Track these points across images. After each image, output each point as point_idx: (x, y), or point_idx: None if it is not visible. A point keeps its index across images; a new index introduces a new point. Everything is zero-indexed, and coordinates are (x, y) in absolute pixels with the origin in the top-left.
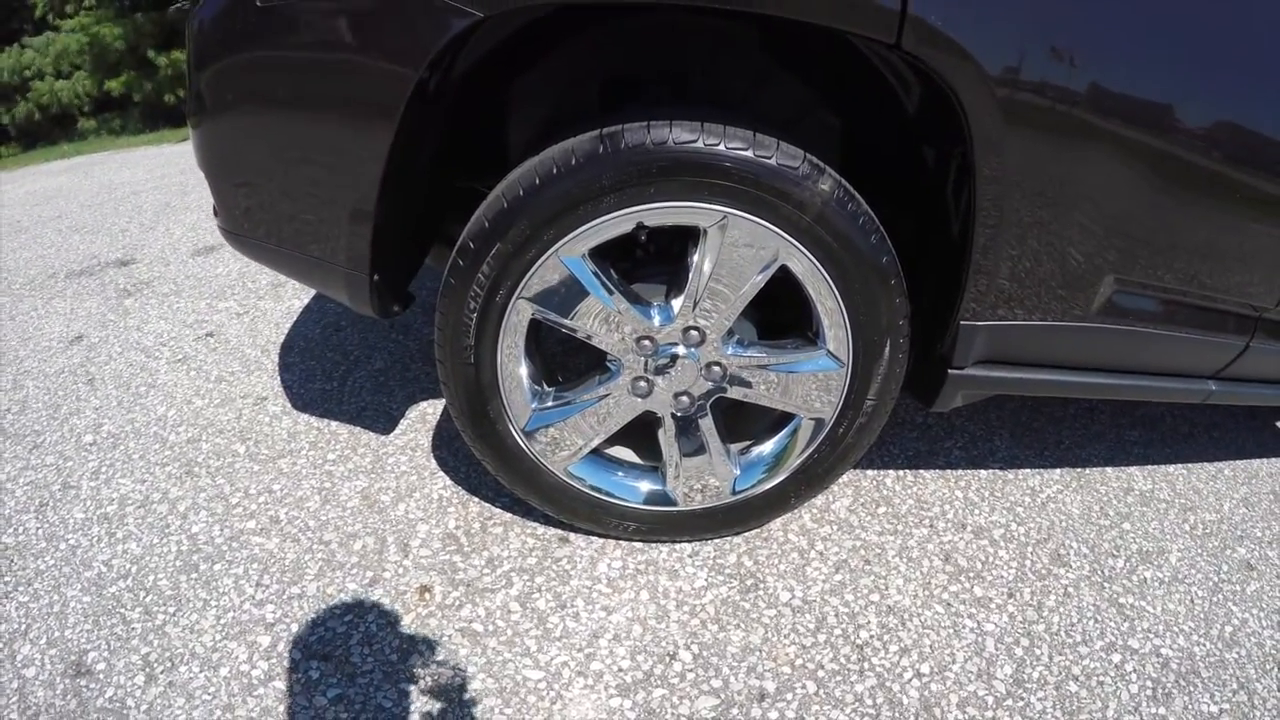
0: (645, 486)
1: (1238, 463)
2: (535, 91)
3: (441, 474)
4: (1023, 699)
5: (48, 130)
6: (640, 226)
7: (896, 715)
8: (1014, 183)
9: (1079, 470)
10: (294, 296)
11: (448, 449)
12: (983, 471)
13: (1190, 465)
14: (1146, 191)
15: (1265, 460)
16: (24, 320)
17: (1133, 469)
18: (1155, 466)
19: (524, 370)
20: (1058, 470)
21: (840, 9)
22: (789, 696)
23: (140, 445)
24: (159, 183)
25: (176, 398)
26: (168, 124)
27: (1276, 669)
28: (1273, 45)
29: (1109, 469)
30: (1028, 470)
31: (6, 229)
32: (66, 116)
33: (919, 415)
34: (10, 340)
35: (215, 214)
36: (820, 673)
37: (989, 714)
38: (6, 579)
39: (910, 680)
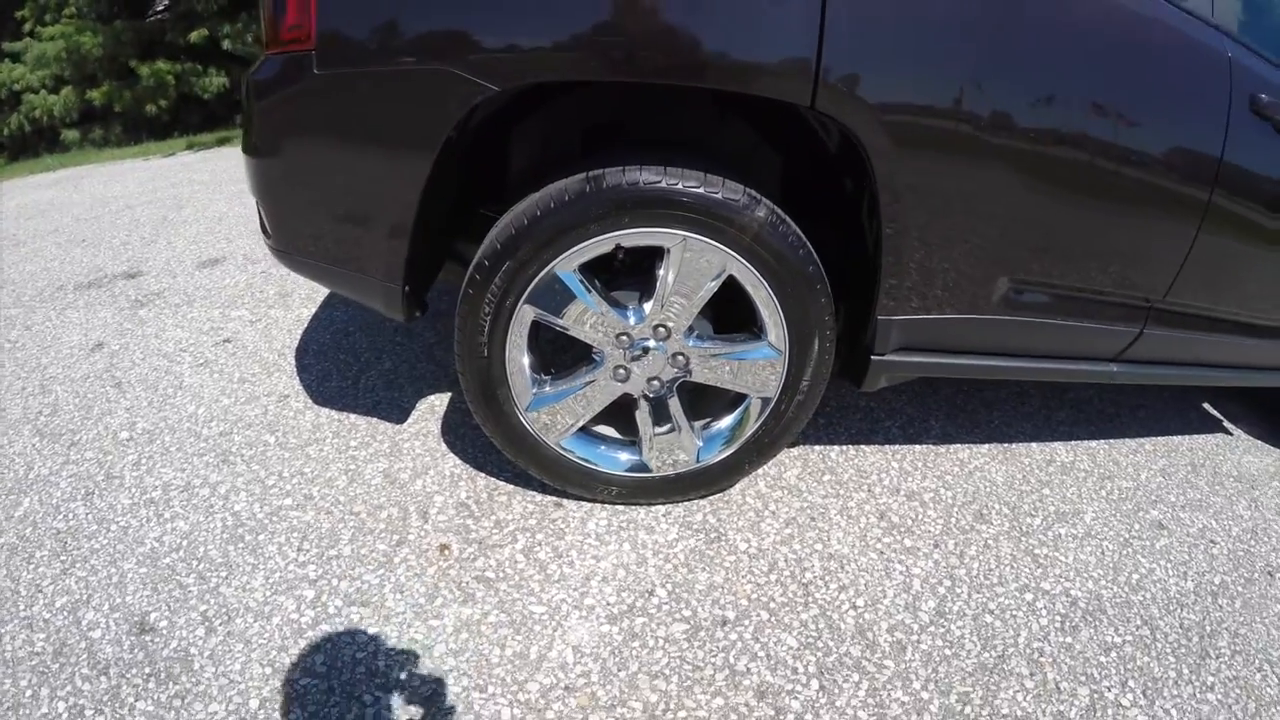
0: (625, 457)
1: (1160, 438)
2: (531, 135)
3: (451, 455)
4: (944, 627)
5: (32, 143)
6: (618, 247)
7: (835, 637)
8: (909, 206)
9: (1006, 445)
10: (302, 305)
11: (454, 434)
12: (918, 446)
13: (1113, 441)
14: (1024, 207)
15: (1187, 436)
16: (40, 330)
17: (1057, 444)
18: (1079, 442)
19: (526, 361)
20: (986, 445)
21: (770, 83)
22: (746, 623)
23: (176, 439)
24: (151, 196)
25: (204, 397)
26: (150, 135)
27: (1179, 609)
28: (1127, 68)
29: (1034, 444)
30: (958, 445)
31: (4, 243)
32: (49, 128)
33: (862, 400)
34: (30, 349)
35: (265, 234)
36: (772, 604)
37: (913, 638)
38: (63, 558)
39: (847, 610)
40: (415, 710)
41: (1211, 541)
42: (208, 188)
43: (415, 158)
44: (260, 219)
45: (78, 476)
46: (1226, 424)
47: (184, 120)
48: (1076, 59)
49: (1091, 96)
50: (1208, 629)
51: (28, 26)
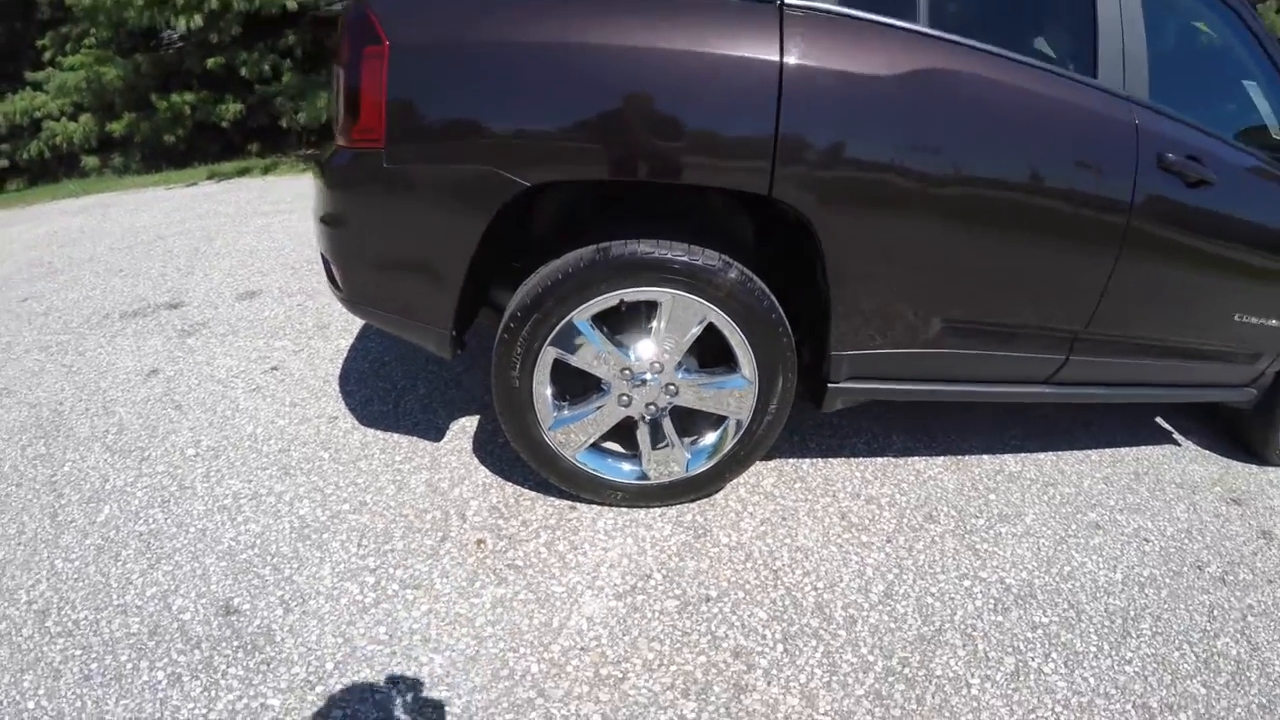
0: (628, 468)
1: (1107, 450)
2: (551, 206)
3: (483, 467)
4: (890, 605)
5: (51, 168)
6: (622, 301)
7: (798, 611)
8: (849, 265)
9: (959, 457)
10: (339, 336)
11: (484, 450)
12: (879, 459)
13: (1061, 453)
14: (951, 261)
15: (1134, 448)
16: (94, 356)
17: (1007, 456)
18: (1028, 454)
19: (548, 391)
20: (941, 457)
21: (740, 179)
22: (725, 600)
23: (239, 455)
24: (180, 227)
25: (260, 418)
26: (169, 163)
27: (1106, 596)
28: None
29: (986, 456)
30: (916, 458)
31: (42, 270)
32: (69, 154)
33: (834, 419)
34: (88, 373)
35: (335, 287)
36: (747, 585)
37: (864, 613)
38: (148, 556)
39: (809, 591)
40: (463, 666)
41: (1145, 540)
42: (234, 220)
43: (466, 234)
44: (329, 274)
45: (152, 487)
46: (1176, 436)
47: (202, 148)
48: (995, 135)
49: (1008, 165)
50: (1132, 613)
51: (48, 55)
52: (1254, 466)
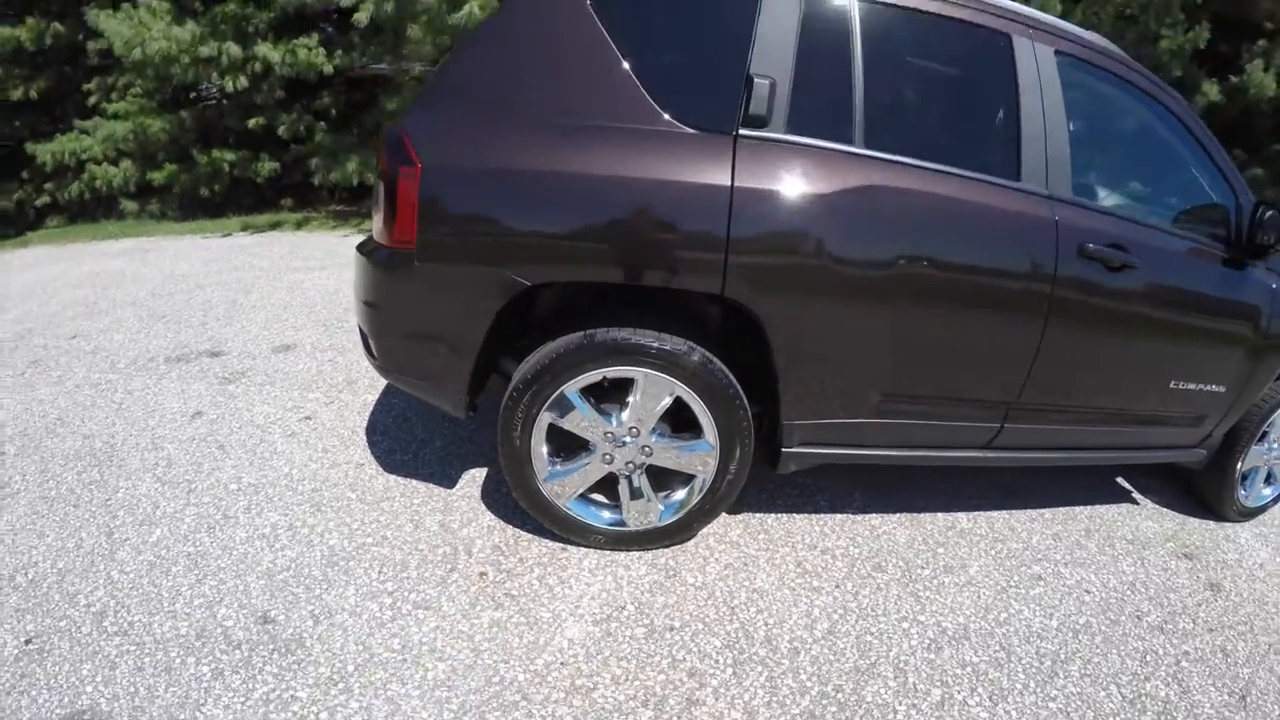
0: (609, 516)
1: (1060, 509)
2: (549, 296)
3: (489, 512)
4: (831, 641)
5: (90, 208)
6: (605, 378)
7: (748, 642)
8: (792, 349)
9: (914, 514)
10: (366, 392)
11: (491, 497)
12: (838, 515)
13: (1014, 511)
14: (886, 344)
15: (1088, 507)
16: (141, 396)
17: (960, 513)
18: (981, 512)
19: (544, 449)
20: (897, 514)
21: (697, 281)
22: (687, 630)
23: (277, 491)
24: (217, 278)
25: (295, 461)
26: (204, 214)
27: (1038, 640)
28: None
29: (940, 514)
30: (872, 514)
31: (86, 309)
32: (108, 197)
33: (798, 478)
34: (136, 411)
35: (370, 356)
36: (707, 618)
37: (807, 646)
38: (195, 572)
39: (760, 626)
40: (462, 673)
41: (1086, 591)
42: (269, 275)
43: (480, 320)
44: (365, 345)
45: (199, 515)
46: (1135, 495)
47: (236, 199)
48: (921, 235)
49: (932, 262)
50: (1062, 656)
51: (93, 100)
52: (1211, 523)
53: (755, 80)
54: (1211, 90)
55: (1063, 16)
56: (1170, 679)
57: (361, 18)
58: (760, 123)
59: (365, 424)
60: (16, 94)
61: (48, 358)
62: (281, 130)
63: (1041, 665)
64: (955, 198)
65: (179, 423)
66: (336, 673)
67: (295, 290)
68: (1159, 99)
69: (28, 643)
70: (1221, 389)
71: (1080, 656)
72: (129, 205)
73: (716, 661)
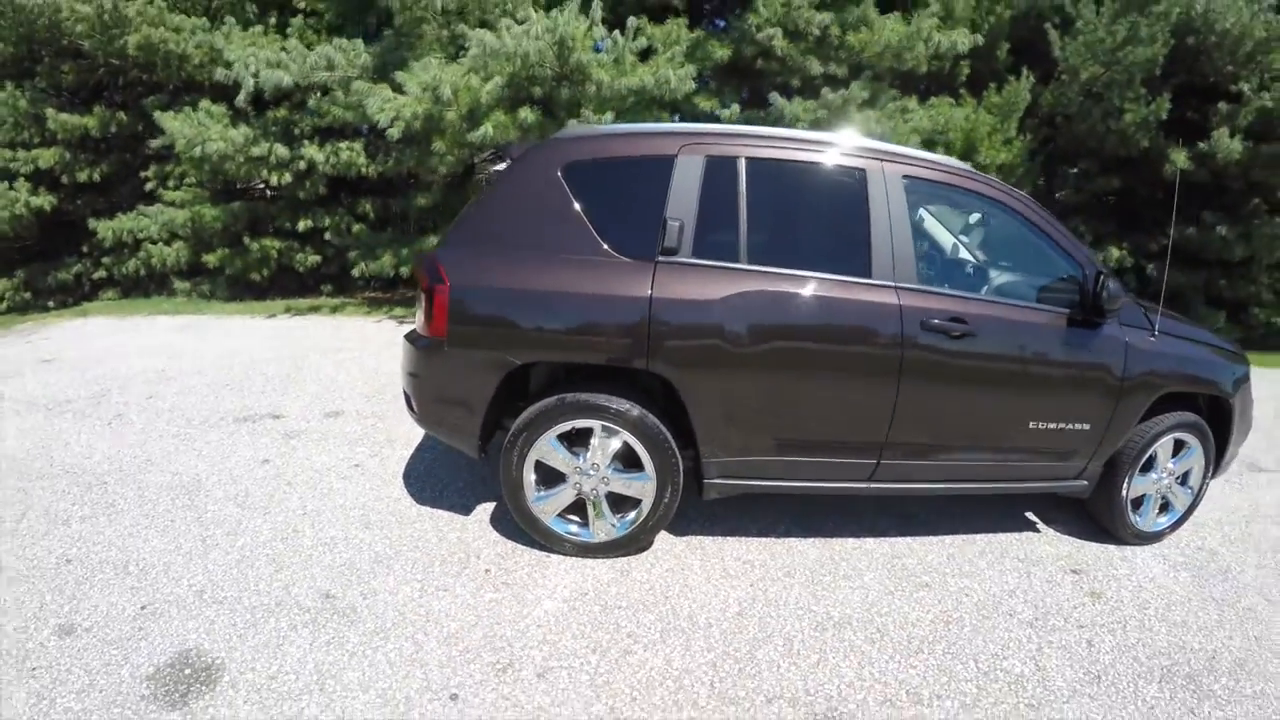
0: (577, 529)
1: (961, 535)
2: (541, 370)
3: (494, 531)
4: (740, 620)
5: (143, 284)
6: (573, 427)
7: (675, 618)
8: (700, 406)
9: (829, 539)
10: (402, 448)
11: (498, 521)
12: (764, 538)
13: (919, 537)
14: (773, 400)
15: (989, 534)
16: (217, 445)
17: (869, 539)
18: (889, 538)
19: (532, 478)
20: (812, 539)
21: (630, 360)
22: (630, 609)
23: (335, 516)
24: (273, 354)
25: (349, 495)
26: (250, 294)
27: (910, 626)
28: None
29: (850, 539)
30: (793, 538)
31: (158, 375)
32: (162, 275)
33: (735, 512)
34: (214, 457)
35: (411, 410)
36: (646, 602)
37: (719, 622)
38: (273, 565)
39: (685, 607)
40: (468, 630)
41: (966, 594)
42: (315, 353)
43: (487, 387)
44: (408, 404)
45: (274, 529)
46: (1039, 525)
47: (279, 284)
48: (792, 321)
49: (803, 342)
50: (930, 639)
51: (150, 186)
52: (1111, 546)
53: (669, 222)
54: (1179, 157)
55: (1033, 99)
56: (1028, 659)
57: (394, 133)
58: (672, 251)
59: (402, 471)
60: (83, 176)
61: (129, 413)
62: (327, 234)
63: (910, 644)
64: (816, 294)
65: (251, 466)
66: (379, 628)
67: (339, 367)
68: (1001, 200)
69: (143, 608)
70: (1086, 426)
71: (947, 640)
72: (181, 284)
73: (649, 629)
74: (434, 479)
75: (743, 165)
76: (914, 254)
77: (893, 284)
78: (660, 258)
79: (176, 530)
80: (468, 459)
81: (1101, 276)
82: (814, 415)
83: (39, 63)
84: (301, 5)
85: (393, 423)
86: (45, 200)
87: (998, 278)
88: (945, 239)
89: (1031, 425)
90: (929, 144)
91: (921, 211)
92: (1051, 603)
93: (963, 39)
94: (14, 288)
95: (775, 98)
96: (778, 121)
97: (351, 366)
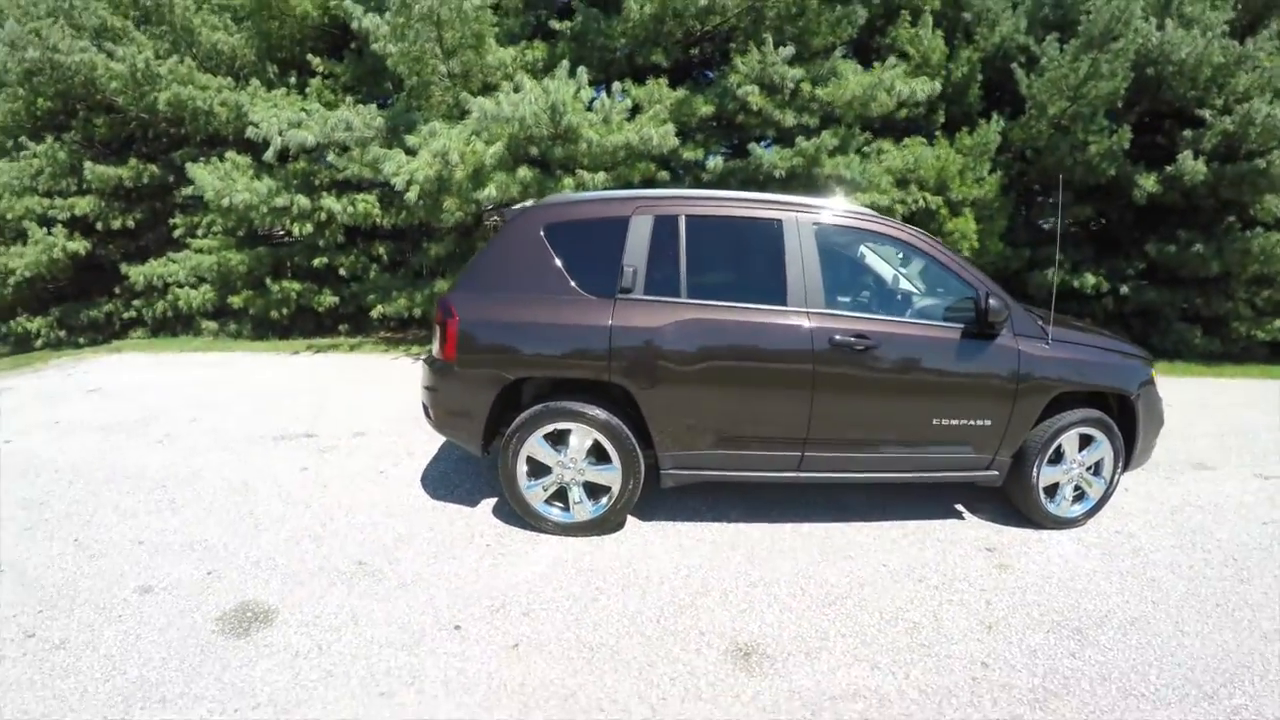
0: (560, 512)
1: (890, 522)
2: (533, 384)
3: (495, 519)
4: (686, 579)
5: (170, 324)
6: (556, 429)
7: (634, 577)
8: (653, 409)
9: (773, 525)
10: (420, 459)
11: (498, 511)
12: (717, 523)
13: (851, 523)
14: (713, 403)
15: (916, 521)
16: (260, 458)
17: (807, 524)
18: (824, 524)
19: (524, 469)
20: (760, 524)
21: (596, 375)
22: (598, 572)
23: (366, 508)
24: (301, 387)
25: (376, 495)
26: (272, 333)
27: (827, 587)
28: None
29: (790, 524)
30: (741, 523)
31: (197, 403)
32: (189, 316)
33: (693, 501)
34: (258, 465)
35: (428, 418)
36: (612, 567)
37: (669, 580)
38: (314, 541)
39: (642, 570)
40: (471, 586)
41: (883, 565)
42: (339, 384)
43: (487, 398)
44: (426, 413)
45: (314, 517)
46: (965, 513)
47: (299, 324)
48: (724, 342)
49: (734, 356)
50: (843, 594)
51: (178, 232)
52: (1030, 531)
53: (625, 268)
54: (1148, 182)
55: (1003, 134)
56: (929, 612)
57: (411, 196)
58: (629, 290)
59: (420, 476)
60: (116, 223)
61: (175, 433)
62: (343, 271)
63: (825, 599)
64: (742, 319)
65: (292, 472)
66: (401, 584)
67: (362, 396)
68: (899, 238)
69: (209, 573)
70: (987, 422)
71: (857, 596)
72: (208, 324)
73: (613, 584)
74: (447, 481)
75: (683, 221)
76: (823, 285)
77: (804, 309)
78: (619, 295)
79: (231, 520)
80: (475, 467)
81: (987, 298)
82: (746, 416)
83: (74, 116)
84: (320, 69)
85: (411, 440)
86: (80, 245)
87: (920, 301)
88: (886, 271)
89: (935, 422)
90: (902, 182)
91: (862, 249)
92: (960, 572)
93: (922, 86)
94: (49, 325)
95: (754, 148)
96: (758, 169)
97: (373, 396)
